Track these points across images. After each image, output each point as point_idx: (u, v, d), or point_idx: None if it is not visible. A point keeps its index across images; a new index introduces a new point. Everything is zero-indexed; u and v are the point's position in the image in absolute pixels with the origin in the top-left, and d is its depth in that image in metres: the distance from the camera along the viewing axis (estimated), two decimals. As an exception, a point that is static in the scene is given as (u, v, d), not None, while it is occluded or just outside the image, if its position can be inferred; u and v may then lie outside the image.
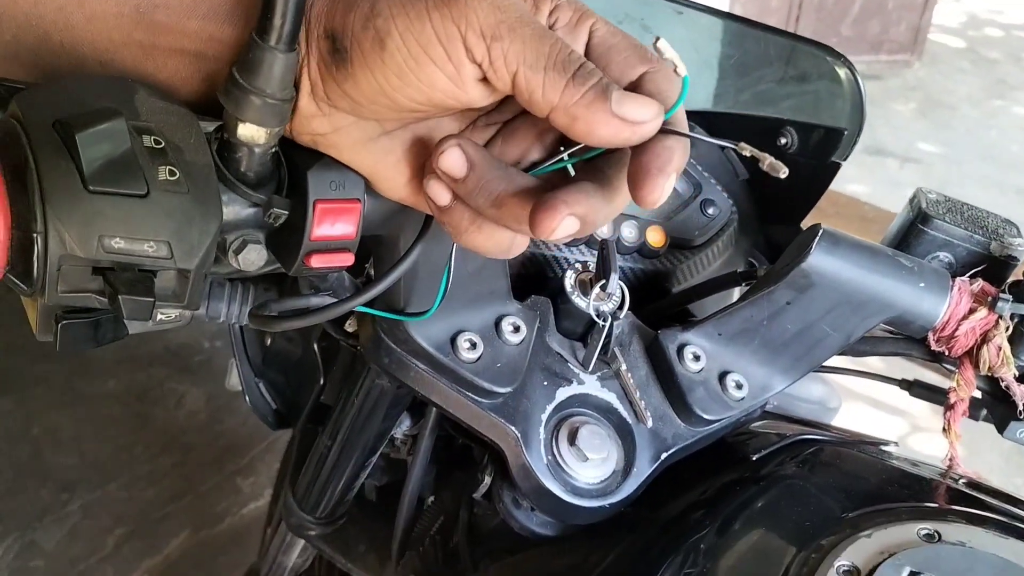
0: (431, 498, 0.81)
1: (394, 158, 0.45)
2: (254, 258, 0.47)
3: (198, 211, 0.41)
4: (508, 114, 0.45)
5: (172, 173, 0.41)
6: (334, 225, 0.46)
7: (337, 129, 0.44)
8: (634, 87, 0.39)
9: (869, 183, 3.06)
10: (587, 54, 0.41)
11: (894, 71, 4.14)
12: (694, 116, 0.83)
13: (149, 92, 0.43)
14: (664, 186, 0.38)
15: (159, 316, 0.46)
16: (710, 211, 0.78)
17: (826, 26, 4.07)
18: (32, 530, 1.80)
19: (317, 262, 0.47)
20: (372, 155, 0.45)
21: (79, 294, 0.42)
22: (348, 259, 0.48)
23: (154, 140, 0.42)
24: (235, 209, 0.46)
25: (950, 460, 0.67)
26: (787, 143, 0.78)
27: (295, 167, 0.46)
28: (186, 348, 2.22)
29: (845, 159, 0.75)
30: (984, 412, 0.69)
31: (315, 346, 0.78)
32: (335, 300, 0.52)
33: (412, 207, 0.47)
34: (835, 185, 0.79)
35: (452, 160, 0.41)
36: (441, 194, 0.42)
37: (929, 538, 0.56)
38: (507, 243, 0.43)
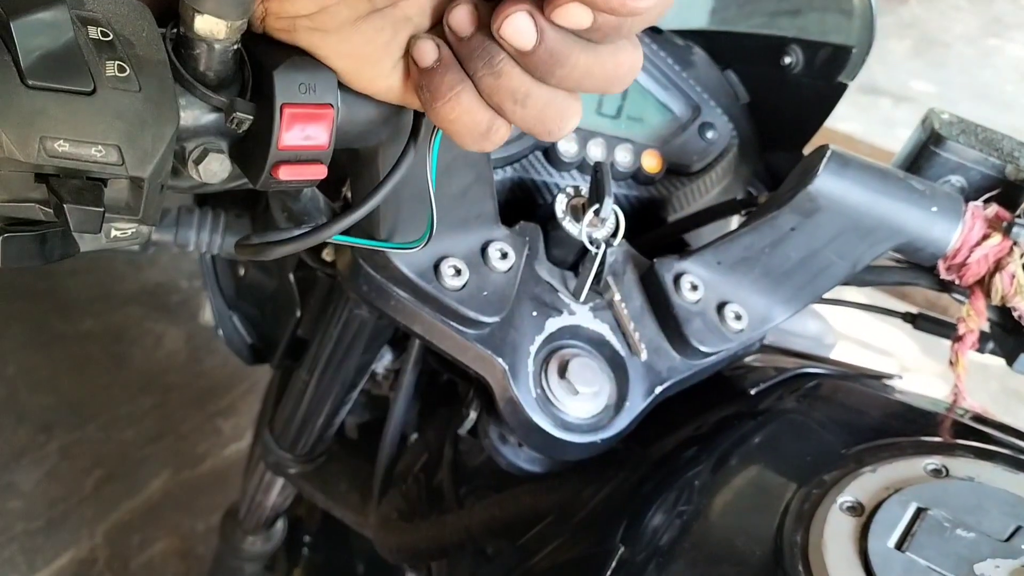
0: (414, 435, 0.78)
1: (384, 39, 0.41)
2: (216, 168, 0.42)
3: (151, 113, 0.37)
4: None
5: (122, 69, 0.37)
6: (304, 132, 0.42)
7: (324, 8, 0.39)
8: None
9: (863, 122, 3.01)
10: None
11: (889, 8, 4.06)
12: (695, 35, 0.78)
13: (96, -20, 0.39)
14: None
15: (113, 232, 0.42)
16: (709, 135, 0.74)
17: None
18: (9, 471, 1.78)
19: (286, 174, 0.42)
20: (361, 36, 0.40)
21: (21, 204, 0.38)
22: (320, 171, 0.43)
23: (101, 32, 0.37)
24: (194, 113, 0.41)
25: (955, 393, 0.64)
26: (792, 62, 0.74)
27: (260, 67, 0.42)
28: (163, 287, 2.17)
29: (852, 79, 0.71)
30: (991, 345, 0.66)
31: (291, 276, 0.74)
32: (318, 224, 0.47)
33: (397, 102, 0.43)
34: (828, 123, 0.75)
35: (461, 16, 0.38)
36: (429, 51, 0.39)
37: (936, 473, 0.53)
38: (485, 124, 0.40)
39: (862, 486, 0.52)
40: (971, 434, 0.59)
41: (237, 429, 1.95)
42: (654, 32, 0.76)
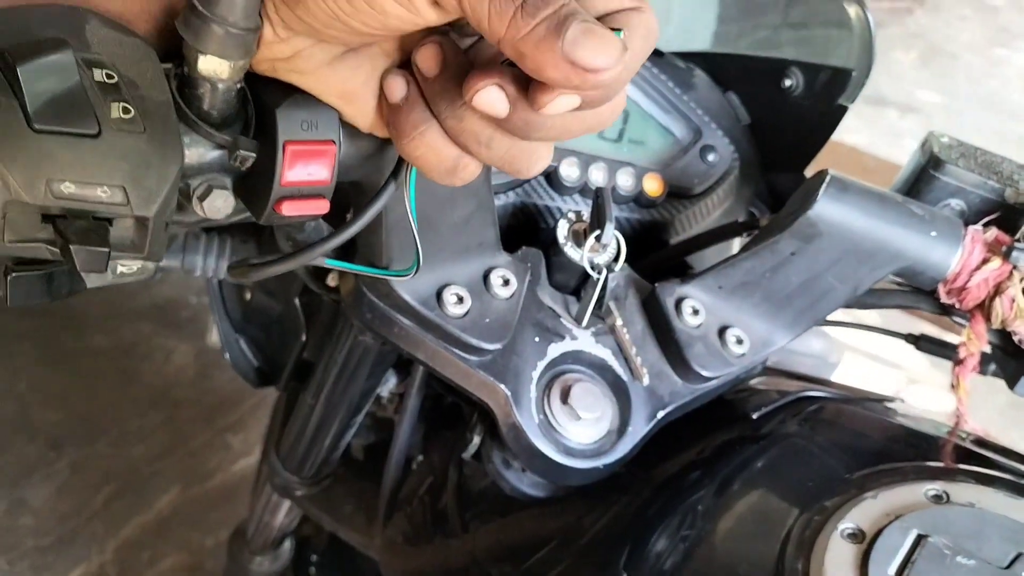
0: (419, 457, 0.78)
1: (362, 77, 0.41)
2: (220, 205, 0.43)
3: (156, 153, 0.38)
4: None
5: (126, 111, 0.38)
6: (307, 168, 0.43)
7: (298, 52, 0.40)
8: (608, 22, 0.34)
9: (869, 133, 3.01)
10: None
11: (896, 18, 4.05)
12: (695, 58, 0.79)
13: (101, 22, 0.39)
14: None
15: (118, 268, 0.43)
16: (710, 158, 0.74)
17: (826, -27, 3.97)
18: (20, 487, 1.79)
19: (289, 209, 0.43)
20: (339, 76, 0.41)
21: (28, 244, 0.38)
22: (323, 206, 0.44)
23: (106, 74, 0.38)
24: (198, 151, 0.42)
25: (957, 417, 0.64)
26: (792, 85, 0.74)
27: (263, 105, 0.43)
28: (173, 303, 2.19)
29: (852, 101, 0.72)
30: (993, 367, 0.66)
31: (296, 301, 0.75)
32: (305, 246, 0.48)
33: (383, 136, 0.44)
34: (835, 135, 0.76)
35: (426, 56, 0.38)
36: (397, 88, 0.40)
37: (937, 499, 0.53)
38: (451, 161, 0.40)
39: (863, 512, 0.52)
40: (972, 458, 0.59)
41: (246, 444, 1.95)
42: (655, 55, 0.77)
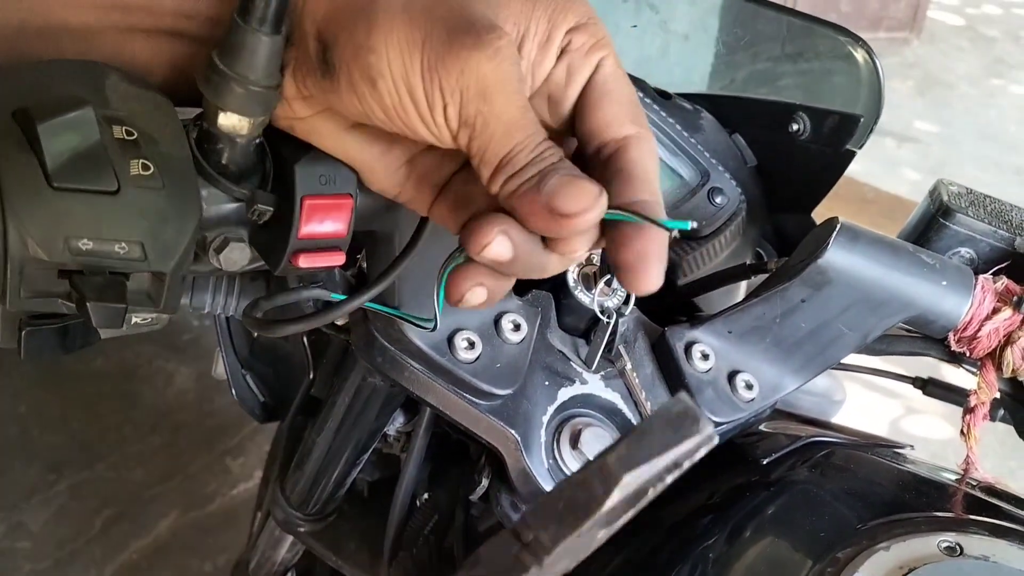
0: (424, 495, 0.78)
1: (380, 147, 0.42)
2: (236, 257, 0.43)
3: (174, 208, 0.38)
4: None
5: (146, 167, 0.38)
6: (323, 223, 0.43)
7: (318, 112, 0.40)
8: (615, 148, 0.38)
9: (866, 163, 3.02)
10: (584, 90, 0.39)
11: (893, 49, 4.09)
12: (701, 100, 0.79)
13: (121, 77, 0.39)
14: (647, 273, 0.37)
15: (133, 320, 0.42)
16: (718, 200, 0.74)
17: (825, 2, 4.01)
18: (19, 510, 1.78)
19: (305, 262, 0.43)
20: (357, 143, 0.41)
21: (44, 299, 0.38)
22: (339, 258, 0.44)
23: (126, 131, 0.38)
24: (216, 205, 0.42)
25: (967, 464, 0.64)
26: (799, 129, 0.75)
27: (281, 160, 0.43)
28: (174, 326, 2.18)
29: (860, 147, 0.72)
30: (1002, 412, 0.66)
31: (304, 339, 0.75)
32: (328, 301, 0.48)
33: (397, 200, 0.44)
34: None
35: (498, 249, 0.37)
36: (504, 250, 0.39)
37: (951, 551, 0.53)
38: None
39: (876, 565, 0.52)
40: (984, 509, 0.59)
41: (246, 468, 1.94)
42: (663, 97, 0.77)
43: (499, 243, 0.37)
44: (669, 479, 0.29)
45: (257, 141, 0.41)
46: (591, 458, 0.58)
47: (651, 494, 0.30)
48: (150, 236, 0.37)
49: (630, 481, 0.28)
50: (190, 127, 0.41)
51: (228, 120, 0.39)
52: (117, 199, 0.37)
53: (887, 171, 3.06)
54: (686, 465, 0.29)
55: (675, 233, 0.42)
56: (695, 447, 0.29)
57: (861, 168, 2.88)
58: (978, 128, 3.62)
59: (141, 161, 0.38)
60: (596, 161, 0.39)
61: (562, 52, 0.39)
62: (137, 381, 2.07)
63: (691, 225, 0.37)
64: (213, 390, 2.07)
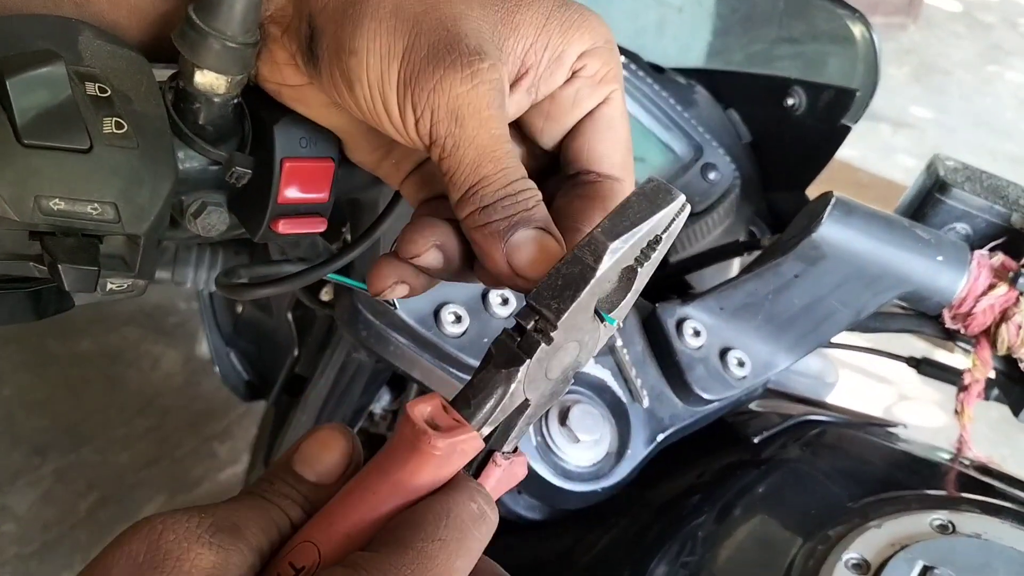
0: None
1: (365, 125, 0.40)
2: (215, 222, 0.42)
3: (149, 169, 0.37)
4: None
5: (119, 125, 0.36)
6: (304, 187, 0.41)
7: (308, 84, 0.39)
8: (596, 180, 0.38)
9: (861, 148, 3.01)
10: (587, 118, 0.39)
11: (889, 34, 4.07)
12: (696, 74, 0.78)
13: (95, 34, 0.38)
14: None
15: (108, 286, 0.41)
16: (711, 176, 0.73)
17: (820, -13, 3.98)
18: (4, 494, 1.76)
19: (285, 227, 0.42)
20: (344, 116, 0.40)
21: (15, 261, 0.37)
22: (320, 224, 0.43)
23: (99, 88, 0.37)
24: (192, 167, 0.41)
25: (960, 443, 0.63)
26: (795, 104, 0.74)
27: (260, 121, 0.41)
28: (160, 309, 2.16)
29: (856, 122, 0.71)
30: (996, 392, 0.66)
31: (288, 316, 0.74)
32: (304, 267, 0.47)
33: (377, 175, 0.43)
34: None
35: (429, 260, 0.37)
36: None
37: (943, 529, 0.52)
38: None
39: (868, 542, 0.51)
40: (977, 487, 0.58)
41: (233, 452, 1.93)
42: (656, 71, 0.76)
43: (431, 256, 0.37)
44: (654, 256, 0.32)
45: (235, 101, 0.40)
46: (579, 436, 0.58)
47: (641, 273, 0.32)
48: (123, 197, 0.36)
49: (616, 246, 0.31)
50: (166, 86, 0.40)
51: (205, 78, 0.38)
52: (89, 158, 0.35)
53: (882, 157, 3.05)
54: (666, 240, 0.32)
55: None
56: (670, 214, 0.32)
57: (856, 153, 2.87)
58: (974, 115, 3.61)
59: (114, 119, 0.36)
60: (569, 180, 0.39)
61: (573, 75, 0.38)
62: (123, 364, 2.05)
63: None
64: (200, 374, 2.05)
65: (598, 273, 0.31)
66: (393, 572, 0.29)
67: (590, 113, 0.39)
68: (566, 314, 0.31)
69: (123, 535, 0.31)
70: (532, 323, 0.32)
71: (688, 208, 0.33)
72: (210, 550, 0.30)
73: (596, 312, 0.33)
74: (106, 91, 0.37)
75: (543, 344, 0.32)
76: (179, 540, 0.30)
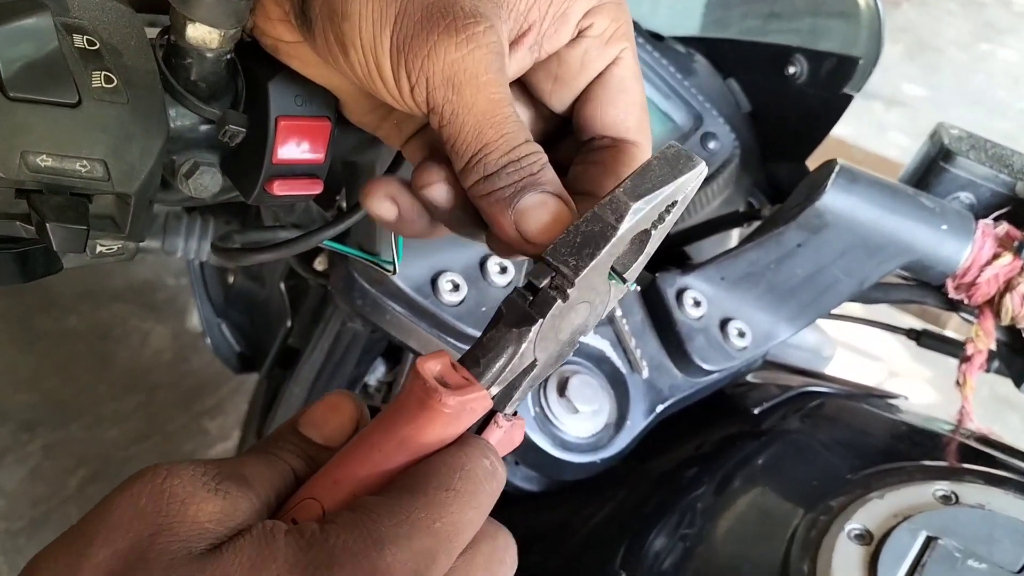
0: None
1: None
2: (207, 183, 0.40)
3: (139, 125, 0.35)
4: None
5: (109, 80, 0.35)
6: (300, 146, 0.40)
7: (301, 40, 0.37)
8: (610, 145, 0.37)
9: (854, 126, 3.01)
10: (597, 80, 0.37)
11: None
12: (696, 43, 0.77)
13: (82, -15, 0.37)
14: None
15: (98, 248, 0.40)
16: (711, 145, 0.72)
17: (813, -36, 3.96)
18: (-8, 470, 1.75)
19: (280, 188, 0.41)
20: (337, 76, 0.39)
21: (2, 221, 0.36)
22: (316, 186, 0.42)
23: (87, 40, 0.35)
24: (184, 125, 0.40)
25: (961, 414, 0.63)
26: (796, 72, 0.72)
27: (254, 78, 0.40)
28: (149, 285, 2.14)
29: (858, 90, 0.70)
30: (997, 364, 0.65)
31: (281, 285, 0.72)
32: (300, 233, 0.46)
33: (372, 133, 0.41)
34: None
35: (379, 211, 0.37)
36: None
37: (945, 500, 0.52)
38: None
39: (870, 513, 0.50)
40: (979, 458, 0.58)
41: (223, 429, 1.92)
42: (655, 39, 0.75)
43: (439, 189, 0.36)
44: (668, 220, 0.32)
45: (228, 57, 0.39)
46: (578, 406, 0.57)
47: (655, 236, 0.32)
48: (113, 154, 0.35)
49: (639, 207, 0.31)
50: (157, 42, 0.38)
51: (197, 32, 0.36)
52: (78, 112, 0.34)
53: (875, 134, 3.04)
54: (680, 205, 0.32)
55: None
56: (690, 179, 0.32)
57: (850, 130, 2.87)
58: (967, 93, 3.61)
59: (104, 73, 0.35)
60: (584, 146, 0.38)
61: (580, 34, 0.36)
62: (112, 341, 2.03)
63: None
64: (190, 350, 2.04)
65: (619, 231, 0.31)
66: (403, 515, 0.28)
67: (601, 75, 0.37)
68: (585, 271, 0.31)
69: (127, 481, 0.30)
70: (547, 280, 0.31)
71: (704, 174, 0.32)
72: (216, 496, 0.29)
73: (613, 270, 0.32)
74: (95, 44, 0.35)
75: (559, 301, 0.31)
76: (184, 485, 0.29)
